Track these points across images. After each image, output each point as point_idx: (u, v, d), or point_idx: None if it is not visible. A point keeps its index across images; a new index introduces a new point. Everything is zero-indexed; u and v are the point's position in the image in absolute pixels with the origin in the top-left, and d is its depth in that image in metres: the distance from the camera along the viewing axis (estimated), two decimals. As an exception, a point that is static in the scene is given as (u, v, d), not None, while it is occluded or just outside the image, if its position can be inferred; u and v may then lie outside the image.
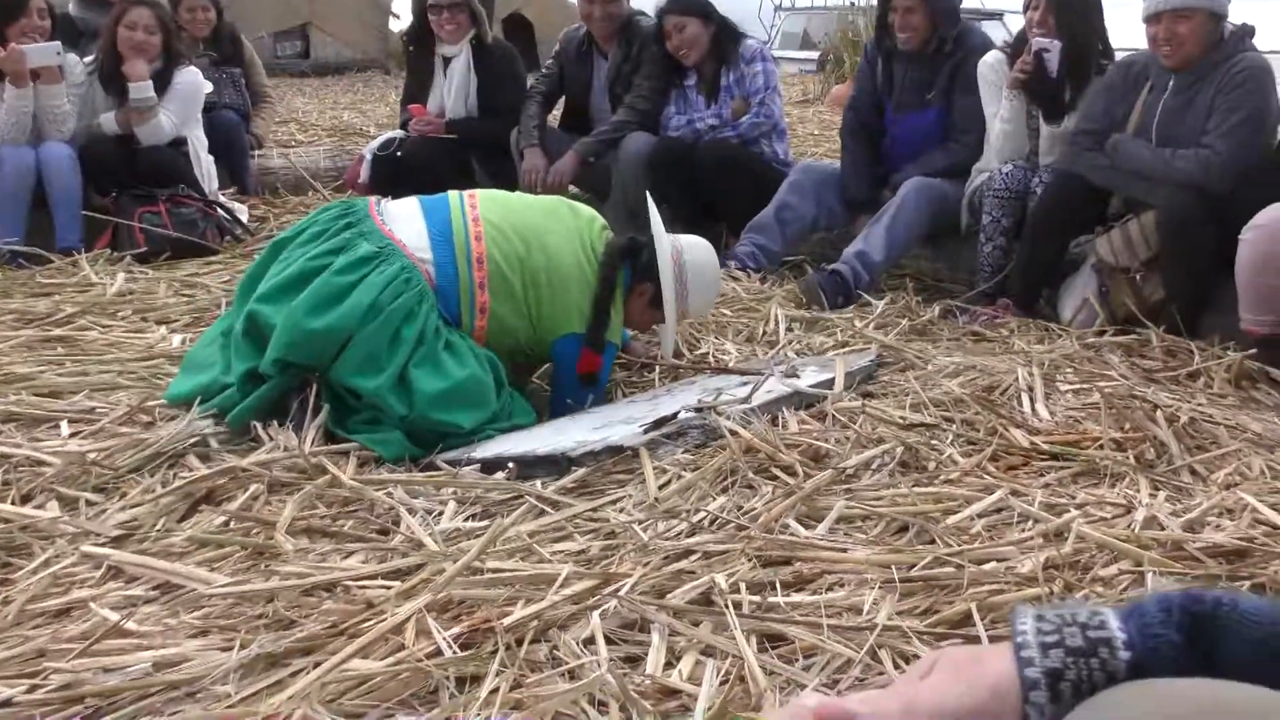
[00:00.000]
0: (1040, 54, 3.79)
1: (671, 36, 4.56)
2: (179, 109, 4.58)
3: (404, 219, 2.58)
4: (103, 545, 1.89)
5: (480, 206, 2.62)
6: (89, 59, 4.62)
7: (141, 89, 4.42)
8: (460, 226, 2.55)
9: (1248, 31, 3.50)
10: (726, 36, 4.62)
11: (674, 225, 3.82)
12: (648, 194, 2.93)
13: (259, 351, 2.42)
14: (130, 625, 1.62)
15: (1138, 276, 3.48)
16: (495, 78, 5.02)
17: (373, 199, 2.67)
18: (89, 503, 2.08)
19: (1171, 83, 3.50)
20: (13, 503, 2.05)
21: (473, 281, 2.52)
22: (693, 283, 2.74)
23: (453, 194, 2.68)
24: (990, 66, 4.05)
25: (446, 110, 5.03)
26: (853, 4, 17.99)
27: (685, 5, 4.57)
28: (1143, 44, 3.62)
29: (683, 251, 2.74)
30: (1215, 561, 1.83)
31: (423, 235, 2.53)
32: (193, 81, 4.67)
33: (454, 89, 5.00)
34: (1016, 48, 4.02)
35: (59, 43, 4.46)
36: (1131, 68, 3.66)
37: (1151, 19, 3.44)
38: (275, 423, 2.36)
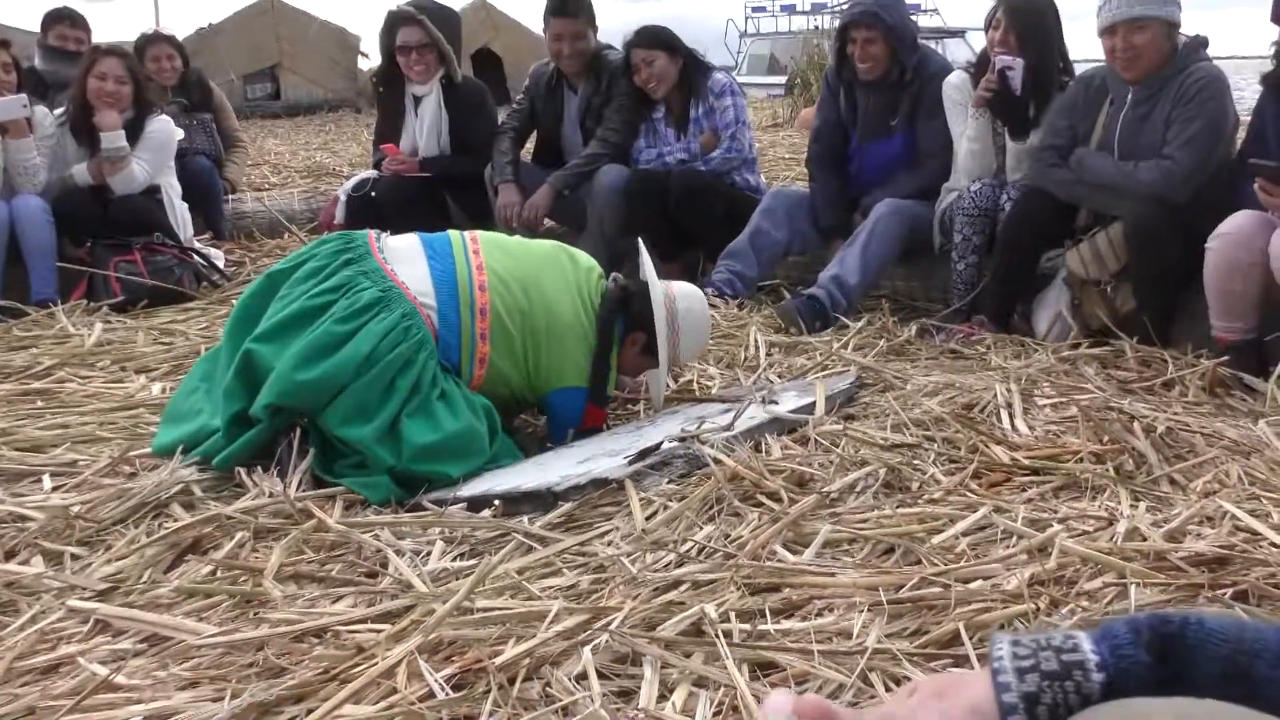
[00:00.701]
0: (1004, 72, 3.85)
1: (640, 70, 4.60)
2: (152, 157, 4.58)
3: (406, 258, 2.55)
4: (89, 599, 1.88)
5: (484, 252, 2.60)
6: (59, 111, 4.62)
7: (114, 139, 4.42)
8: (464, 274, 2.53)
9: (1201, 43, 3.56)
10: (694, 69, 4.67)
11: (650, 254, 3.82)
12: (640, 242, 2.92)
13: (249, 393, 2.40)
14: (120, 679, 1.61)
15: (1108, 288, 3.53)
16: (467, 115, 5.05)
17: (371, 233, 2.62)
18: (74, 556, 2.07)
19: (1130, 96, 3.55)
20: (-3, 560, 2.04)
21: (475, 332, 2.50)
22: (684, 330, 2.74)
23: (455, 235, 2.65)
24: (955, 87, 4.11)
25: (419, 149, 5.05)
26: (817, 28, 18.22)
27: (652, 39, 4.62)
28: (1100, 56, 3.68)
29: (675, 300, 2.75)
30: (1198, 570, 1.84)
31: (426, 279, 2.51)
32: (165, 129, 4.67)
33: (426, 128, 5.03)
34: (980, 66, 4.08)
35: (25, 95, 4.46)
36: (1091, 82, 3.72)
37: (1107, 31, 3.49)
38: (260, 468, 2.36)
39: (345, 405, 2.36)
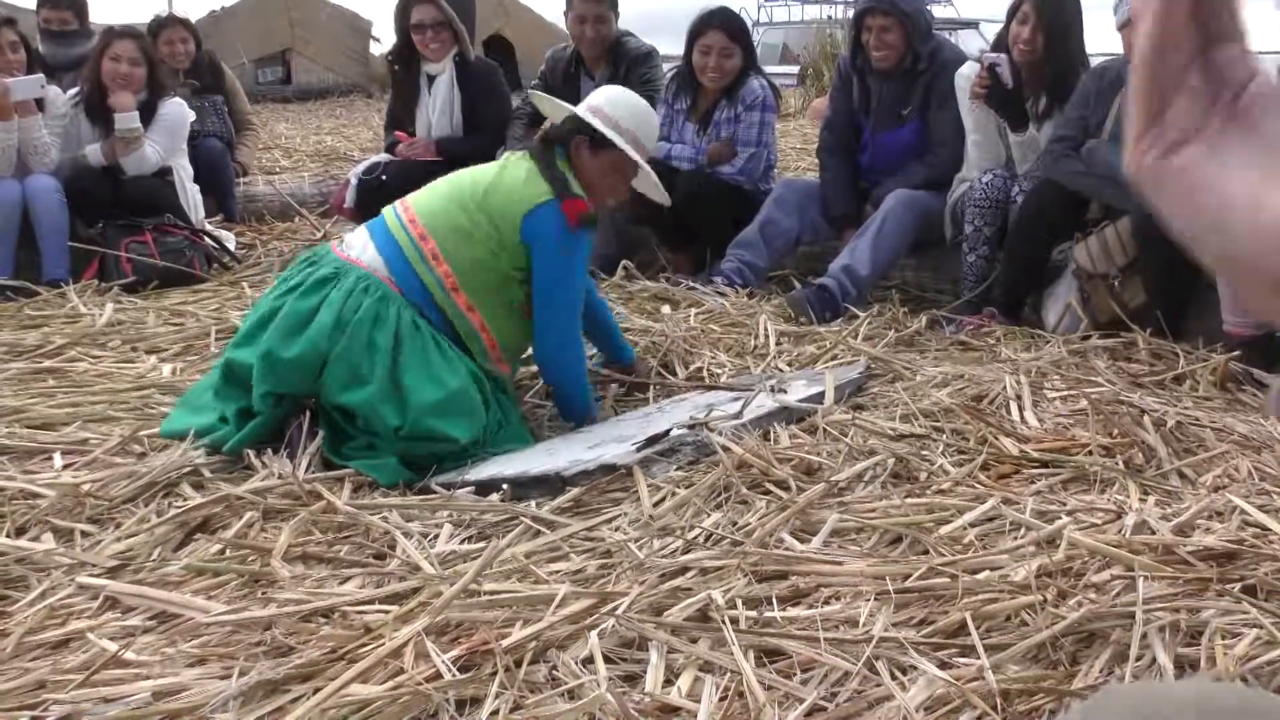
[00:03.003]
0: (993, 68, 3.85)
1: (711, 54, 4.39)
2: (164, 139, 4.58)
3: (359, 245, 2.63)
4: (99, 576, 1.89)
5: (415, 208, 2.65)
6: (72, 91, 4.62)
7: (127, 120, 4.42)
8: (404, 237, 2.58)
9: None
10: (744, 76, 4.46)
11: (656, 243, 3.76)
12: (534, 87, 2.90)
13: (245, 394, 2.46)
14: (129, 655, 1.62)
15: (1115, 283, 3.51)
16: (479, 94, 5.04)
17: (334, 243, 2.72)
18: (84, 534, 2.08)
19: (1147, 90, 3.53)
20: (8, 535, 2.05)
21: (440, 280, 2.55)
22: (622, 116, 2.69)
23: (387, 210, 2.71)
24: (966, 78, 4.08)
25: (432, 128, 5.05)
26: (830, 18, 18.17)
27: (739, 33, 4.46)
28: (1111, 50, 3.67)
29: (598, 105, 2.72)
30: (1206, 565, 1.84)
31: (376, 256, 2.58)
32: (178, 112, 4.68)
33: (438, 106, 5.02)
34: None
35: (43, 76, 4.48)
36: (1105, 74, 3.70)
37: (1126, 26, 3.48)
38: (269, 450, 2.37)
39: (337, 373, 2.40)
